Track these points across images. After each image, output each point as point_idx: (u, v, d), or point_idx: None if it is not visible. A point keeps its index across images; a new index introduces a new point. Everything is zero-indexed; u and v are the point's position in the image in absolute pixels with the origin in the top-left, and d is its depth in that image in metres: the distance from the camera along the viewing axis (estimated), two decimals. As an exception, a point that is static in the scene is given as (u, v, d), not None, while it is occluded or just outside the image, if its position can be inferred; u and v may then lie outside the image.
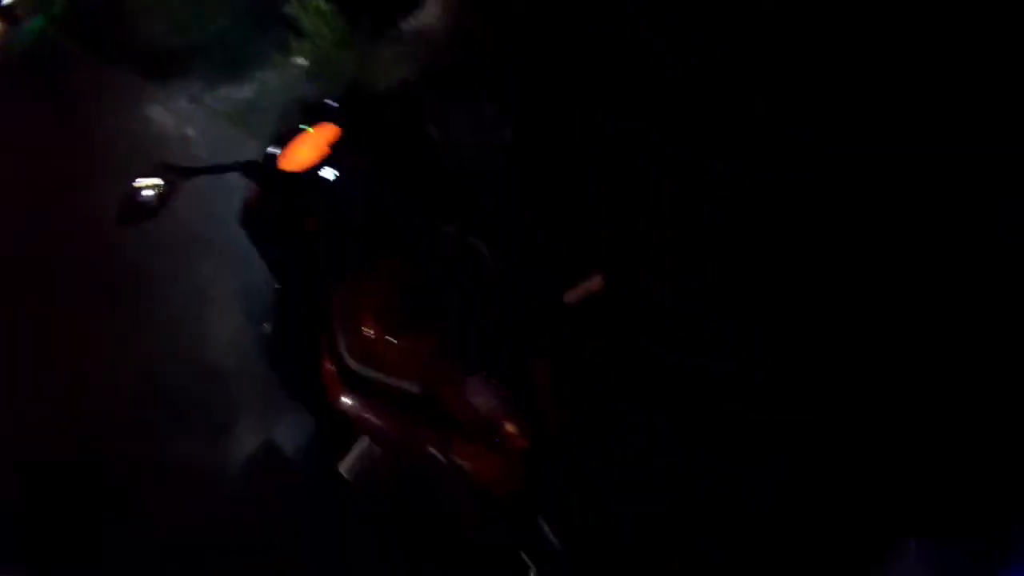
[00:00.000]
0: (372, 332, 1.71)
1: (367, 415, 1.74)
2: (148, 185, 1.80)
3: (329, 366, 1.78)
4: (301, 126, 1.88)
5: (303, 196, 1.84)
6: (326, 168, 1.80)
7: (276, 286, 2.02)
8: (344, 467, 1.81)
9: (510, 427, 1.66)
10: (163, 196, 1.79)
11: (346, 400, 1.75)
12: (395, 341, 1.70)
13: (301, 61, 4.15)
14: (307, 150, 1.82)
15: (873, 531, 1.87)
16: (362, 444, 1.80)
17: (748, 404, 2.04)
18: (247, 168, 1.91)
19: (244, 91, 4.26)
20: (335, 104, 1.98)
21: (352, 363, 1.73)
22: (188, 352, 2.92)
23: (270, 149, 1.90)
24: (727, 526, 1.94)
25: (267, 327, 2.04)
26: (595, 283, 1.94)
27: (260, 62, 4.35)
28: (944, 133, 1.87)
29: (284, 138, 1.89)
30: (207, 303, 3.08)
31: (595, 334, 2.32)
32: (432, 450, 1.72)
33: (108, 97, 5.03)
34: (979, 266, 1.88)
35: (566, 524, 1.87)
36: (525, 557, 1.80)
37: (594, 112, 2.34)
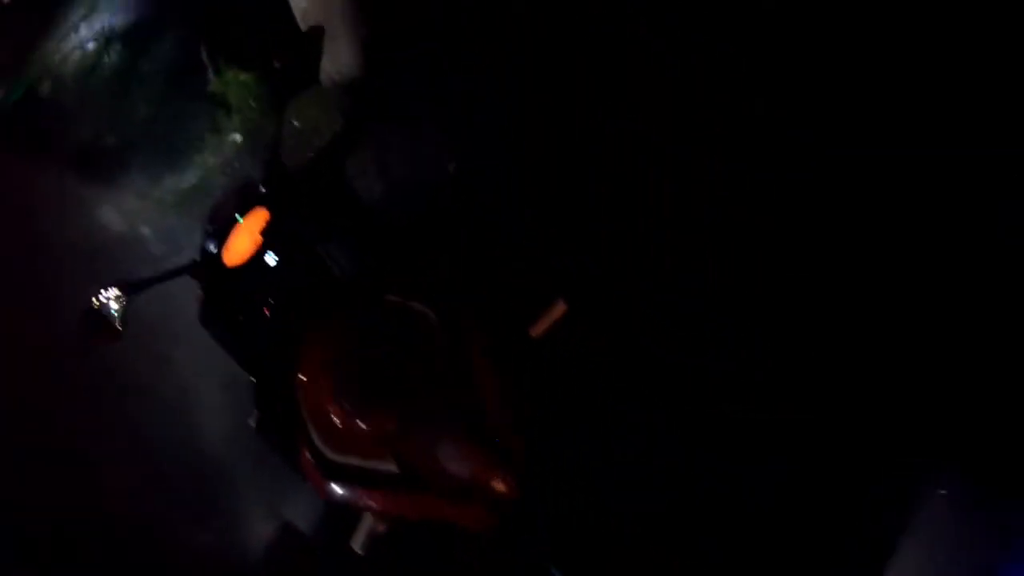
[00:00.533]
0: (338, 418, 1.69)
1: (358, 500, 1.72)
2: (101, 309, 1.78)
3: (308, 457, 1.75)
4: (234, 216, 1.87)
5: (251, 288, 1.84)
6: (266, 254, 1.81)
7: (250, 379, 1.98)
8: (355, 543, 1.76)
9: (498, 484, 1.63)
10: (122, 315, 1.78)
11: (333, 490, 1.73)
12: (362, 424, 1.68)
13: (235, 137, 4.17)
14: (243, 241, 1.82)
15: (873, 530, 1.88)
16: (369, 518, 1.77)
17: (748, 404, 2.04)
18: (193, 270, 1.91)
19: (187, 178, 4.23)
20: (259, 186, 1.97)
21: (328, 454, 1.72)
22: (183, 447, 2.89)
23: (208, 245, 1.89)
24: (727, 526, 1.94)
25: (252, 421, 2.00)
26: (558, 311, 1.91)
27: (196, 146, 4.31)
28: (944, 133, 1.86)
29: (219, 231, 1.87)
30: (192, 397, 3.03)
31: (595, 334, 2.33)
32: (432, 518, 1.70)
33: (55, 209, 5.04)
34: (979, 266, 1.88)
35: (565, 524, 1.88)
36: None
37: (594, 112, 2.33)
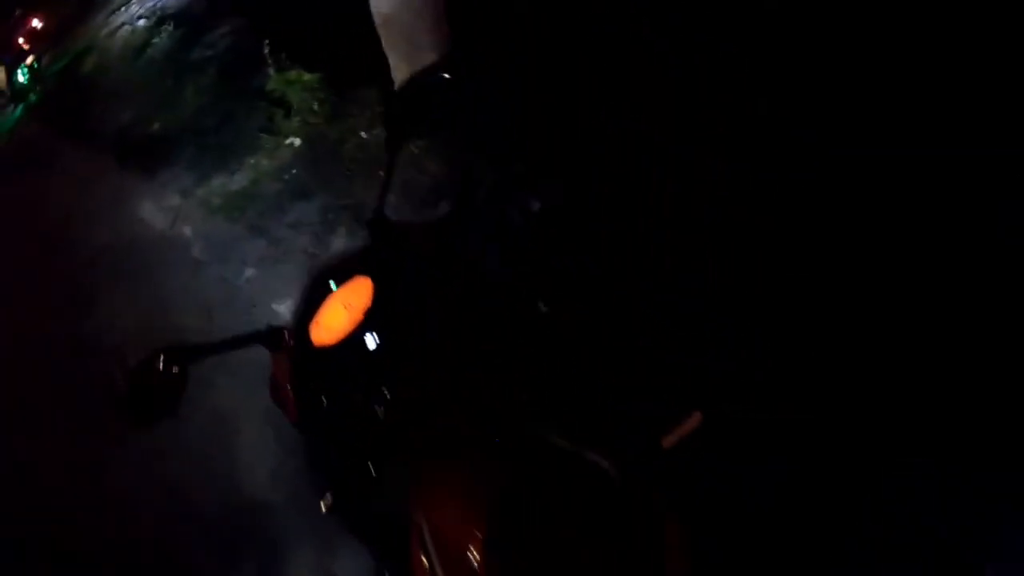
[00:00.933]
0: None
1: None
2: (154, 376, 1.45)
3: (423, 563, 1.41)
4: (328, 283, 1.55)
5: (343, 372, 1.50)
6: (366, 335, 1.45)
7: (330, 459, 1.70)
8: None
9: None
10: (177, 385, 1.47)
11: None
12: None
13: (293, 141, 3.87)
14: (337, 315, 1.48)
15: (873, 530, 1.87)
16: None
17: (748, 404, 2.04)
18: (270, 340, 1.58)
19: (237, 180, 3.98)
20: (362, 252, 1.65)
21: None
22: (221, 481, 2.66)
23: (295, 314, 1.57)
24: (727, 526, 1.93)
25: (324, 503, 1.67)
26: (693, 422, 1.71)
27: (249, 145, 4.10)
28: (944, 133, 1.88)
29: (308, 301, 1.56)
30: (234, 427, 2.80)
31: (595, 334, 2.33)
32: None
33: (95, 197, 4.76)
34: (979, 266, 1.89)
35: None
36: None
37: (596, 112, 2.34)
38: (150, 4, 6.36)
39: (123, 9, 6.81)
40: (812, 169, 2.03)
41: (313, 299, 1.54)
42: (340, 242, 3.25)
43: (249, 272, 3.37)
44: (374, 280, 1.49)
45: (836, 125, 2.01)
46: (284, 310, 2.95)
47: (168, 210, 4.22)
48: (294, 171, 3.78)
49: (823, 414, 1.98)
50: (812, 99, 2.04)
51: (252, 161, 4.03)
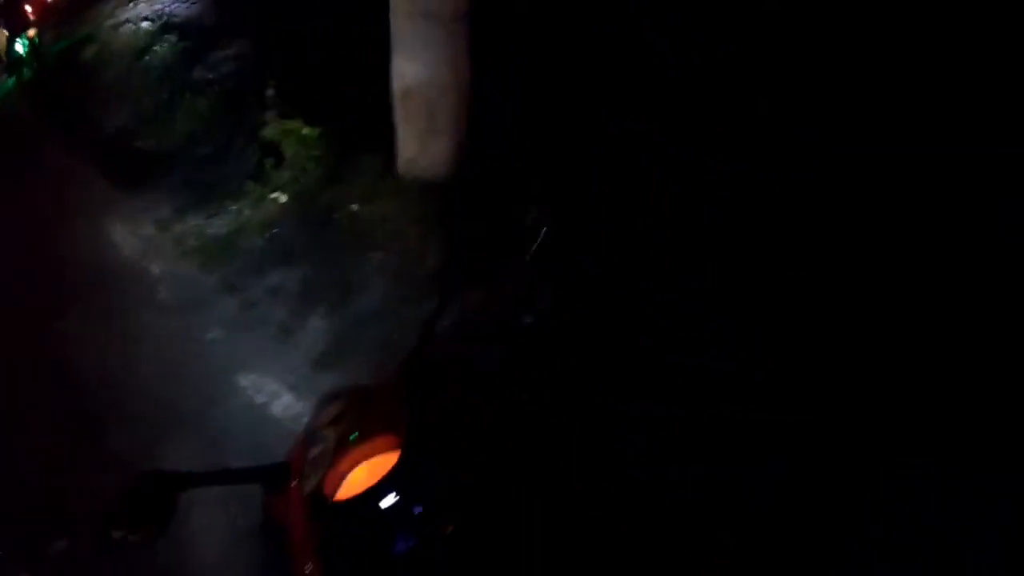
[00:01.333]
0: None
1: None
2: (142, 500, 1.32)
3: None
4: (347, 434, 1.37)
5: (357, 529, 1.35)
6: (387, 494, 1.32)
7: None
8: None
9: None
10: (167, 511, 1.34)
11: None
12: None
13: (279, 197, 3.63)
14: (361, 473, 1.34)
15: (873, 530, 1.87)
16: None
17: (748, 404, 2.04)
18: (274, 479, 1.44)
19: (216, 225, 3.74)
20: (392, 391, 1.48)
21: None
22: (171, 566, 2.27)
23: (309, 453, 1.40)
24: (727, 526, 1.93)
25: None
26: None
27: (234, 189, 3.86)
28: (944, 133, 1.88)
29: (327, 454, 1.38)
30: (187, 501, 2.48)
31: (595, 334, 2.33)
32: None
33: (72, 204, 4.42)
34: (979, 266, 1.89)
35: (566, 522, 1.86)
36: None
37: (596, 112, 2.34)
38: (157, 7, 6.12)
39: (130, 4, 6.58)
40: (812, 169, 2.03)
41: (332, 454, 1.37)
42: (320, 322, 2.96)
43: (216, 332, 3.09)
44: (404, 442, 1.35)
45: (836, 125, 2.01)
46: (248, 385, 2.71)
47: (141, 239, 3.93)
48: (277, 230, 3.50)
49: (823, 414, 1.97)
50: (812, 99, 2.04)
51: (234, 207, 3.74)
